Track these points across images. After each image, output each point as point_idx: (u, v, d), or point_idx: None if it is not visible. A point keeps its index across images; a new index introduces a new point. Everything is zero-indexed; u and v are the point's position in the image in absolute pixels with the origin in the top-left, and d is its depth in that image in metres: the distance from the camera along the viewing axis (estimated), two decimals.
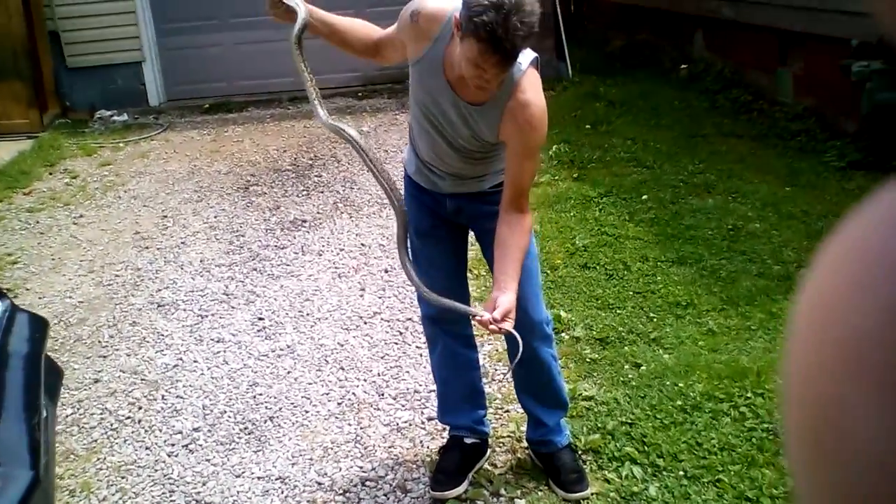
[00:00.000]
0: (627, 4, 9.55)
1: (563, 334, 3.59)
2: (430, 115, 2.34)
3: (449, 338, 2.73)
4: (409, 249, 2.57)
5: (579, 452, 2.85)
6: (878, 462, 0.27)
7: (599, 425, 2.99)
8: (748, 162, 5.35)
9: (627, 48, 8.96)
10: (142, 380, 3.55)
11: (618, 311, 3.75)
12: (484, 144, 2.35)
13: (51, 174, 6.26)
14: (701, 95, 6.87)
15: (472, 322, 2.41)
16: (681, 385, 3.15)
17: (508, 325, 2.19)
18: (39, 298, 4.33)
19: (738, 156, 5.48)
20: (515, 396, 2.91)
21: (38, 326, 2.45)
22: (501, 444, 2.97)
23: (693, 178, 5.16)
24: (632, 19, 9.49)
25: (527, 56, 2.19)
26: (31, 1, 7.35)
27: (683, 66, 7.71)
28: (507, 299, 2.19)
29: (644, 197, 4.89)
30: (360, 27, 2.46)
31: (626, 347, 3.47)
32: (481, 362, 3.38)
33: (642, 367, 3.32)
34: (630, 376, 3.27)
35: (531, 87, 2.22)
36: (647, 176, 5.28)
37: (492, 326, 2.19)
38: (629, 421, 3.00)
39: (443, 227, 2.62)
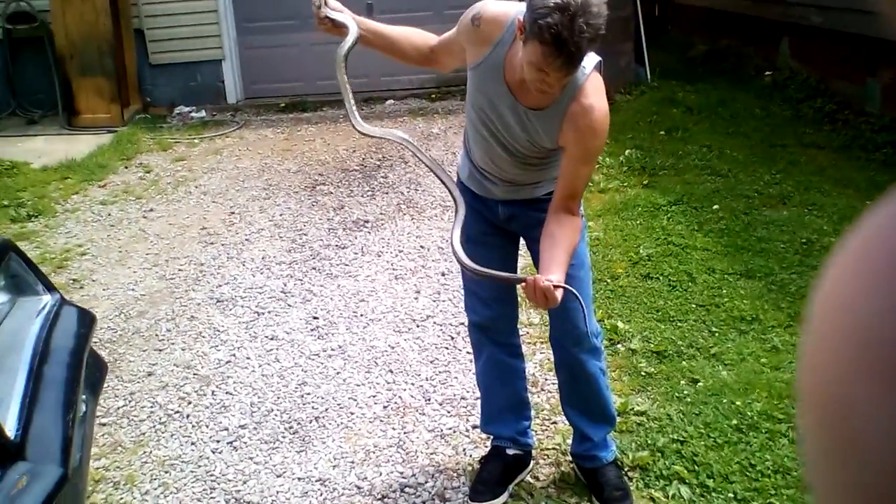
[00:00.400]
0: (712, 9, 9.29)
1: (618, 346, 3.48)
2: (487, 120, 2.29)
3: (494, 346, 2.66)
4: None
5: (626, 469, 2.75)
6: (893, 461, 0.27)
7: (649, 442, 2.87)
8: (828, 174, 5.12)
9: (710, 53, 8.72)
10: (194, 374, 3.57)
11: (678, 324, 3.61)
12: (541, 150, 2.29)
13: (126, 168, 6.41)
14: (783, 104, 6.62)
15: (519, 290, 2.24)
16: (738, 403, 3.01)
17: (558, 293, 2.03)
18: (104, 290, 4.41)
19: (818, 167, 5.24)
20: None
21: (85, 321, 2.48)
22: (546, 457, 2.88)
23: (769, 188, 4.96)
24: (716, 24, 9.23)
25: (591, 59, 2.11)
26: (119, 1, 7.56)
27: (767, 73, 7.45)
28: (554, 277, 2.06)
29: (715, 207, 4.72)
30: (414, 35, 2.43)
31: (683, 362, 3.34)
32: (531, 371, 3.32)
33: (699, 384, 3.19)
34: (685, 392, 3.14)
35: (595, 91, 2.15)
36: (720, 185, 5.10)
37: (544, 283, 2.01)
38: (681, 438, 2.88)
39: (494, 235, 2.55)
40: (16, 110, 7.86)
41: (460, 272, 2.73)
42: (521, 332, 3.54)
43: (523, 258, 2.82)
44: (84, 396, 2.27)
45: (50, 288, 2.45)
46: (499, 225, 2.53)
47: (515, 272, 2.66)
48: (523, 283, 2.07)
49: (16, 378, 2.04)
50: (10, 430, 1.87)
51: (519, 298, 2.72)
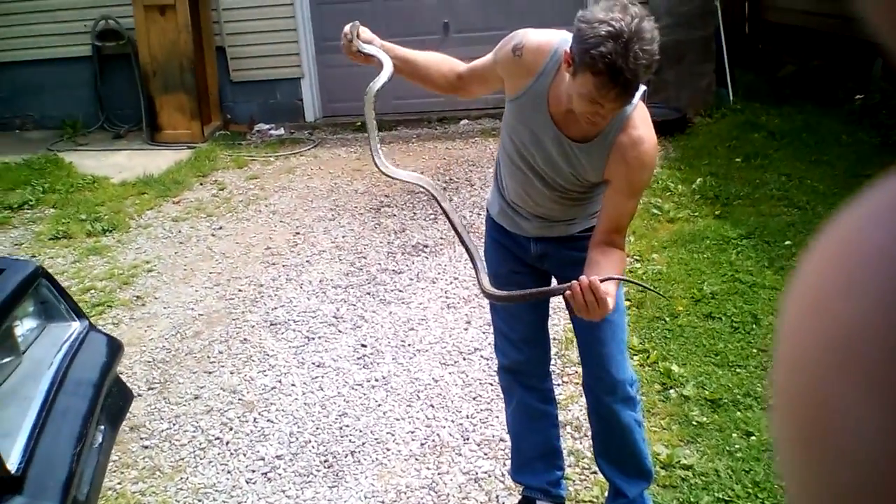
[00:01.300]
0: (803, 27, 8.94)
1: (671, 391, 3.32)
2: (526, 153, 2.21)
3: (525, 391, 2.56)
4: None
5: None
6: (870, 462, 0.27)
7: (692, 500, 2.72)
8: None
9: (799, 74, 8.36)
10: (239, 400, 3.58)
11: (737, 371, 3.42)
12: (584, 184, 2.20)
13: (201, 185, 6.53)
14: (872, 130, 6.28)
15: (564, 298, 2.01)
16: None
17: (609, 300, 1.89)
18: (164, 308, 4.47)
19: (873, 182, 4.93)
20: None
21: (111, 350, 2.49)
22: None
23: None
24: (807, 43, 8.87)
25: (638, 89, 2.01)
26: (202, 17, 7.74)
27: (858, 96, 7.10)
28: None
29: (787, 242, 4.49)
30: (442, 61, 2.36)
31: (738, 412, 3.16)
32: (575, 415, 3.20)
33: (753, 437, 3.01)
34: (737, 446, 2.96)
35: (643, 121, 2.07)
36: (796, 218, 4.86)
37: (591, 281, 1.87)
38: (726, 498, 2.72)
39: (523, 274, 2.46)
40: (104, 125, 8.12)
41: (490, 312, 2.63)
42: (569, 372, 3.44)
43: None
44: (102, 427, 2.27)
45: (79, 314, 2.47)
46: (529, 263, 2.44)
47: (546, 312, 2.56)
48: (568, 292, 1.91)
49: (29, 407, 2.05)
50: (13, 463, 1.87)
51: (551, 340, 2.61)
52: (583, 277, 1.90)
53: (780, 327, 0.33)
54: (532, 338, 2.52)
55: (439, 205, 2.29)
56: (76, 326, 2.43)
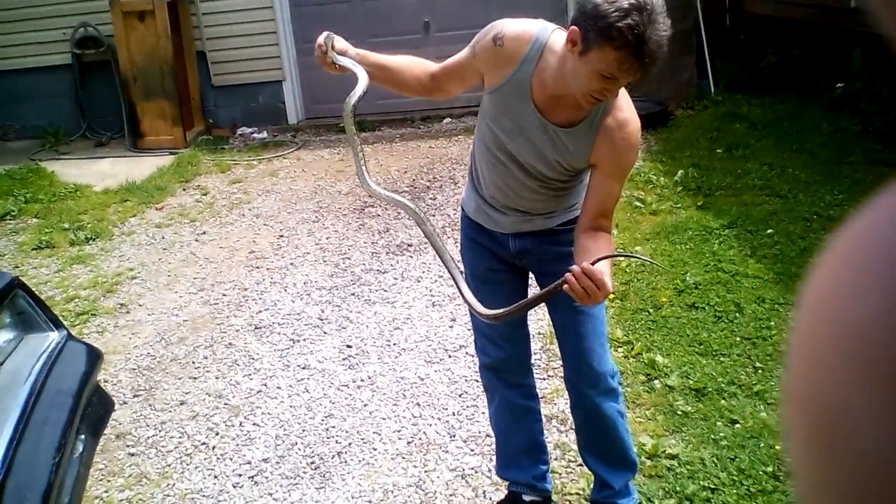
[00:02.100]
0: (784, 18, 8.97)
1: (655, 382, 3.33)
2: (508, 143, 2.18)
3: (507, 388, 2.55)
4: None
5: None
6: (881, 462, 0.27)
7: (678, 489, 2.73)
8: None
9: (781, 64, 8.39)
10: (225, 404, 3.56)
11: (721, 359, 3.43)
12: (568, 171, 2.18)
13: (184, 190, 6.51)
14: (853, 117, 6.30)
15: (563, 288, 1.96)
16: (777, 448, 2.84)
17: (607, 280, 1.87)
18: (149, 315, 4.46)
19: (885, 187, 4.95)
20: None
21: (91, 358, 2.48)
22: (567, 502, 2.76)
23: (829, 210, 4.71)
24: (788, 34, 8.90)
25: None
26: (181, 22, 7.71)
27: (839, 84, 7.13)
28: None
29: (769, 231, 4.50)
30: (415, 64, 2.33)
31: (723, 401, 3.17)
32: (561, 408, 3.20)
33: (738, 425, 3.02)
34: (722, 434, 2.97)
35: (627, 104, 2.10)
36: (778, 206, 4.87)
37: (585, 266, 1.85)
38: (712, 486, 2.72)
39: (502, 271, 2.45)
40: (86, 132, 8.08)
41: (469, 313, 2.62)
42: (554, 366, 3.45)
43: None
44: (83, 436, 2.26)
45: (57, 324, 2.45)
46: (507, 260, 2.42)
47: (525, 322, 2.55)
48: (565, 285, 1.90)
49: (7, 419, 2.04)
50: None
51: (531, 336, 2.61)
52: (574, 266, 1.90)
53: (791, 328, 0.33)
54: (512, 335, 2.50)
55: (421, 229, 2.28)
56: (54, 336, 2.42)
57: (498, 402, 2.57)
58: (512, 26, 2.13)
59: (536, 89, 2.10)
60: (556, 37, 2.08)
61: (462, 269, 2.39)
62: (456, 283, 2.23)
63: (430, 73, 2.32)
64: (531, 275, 2.52)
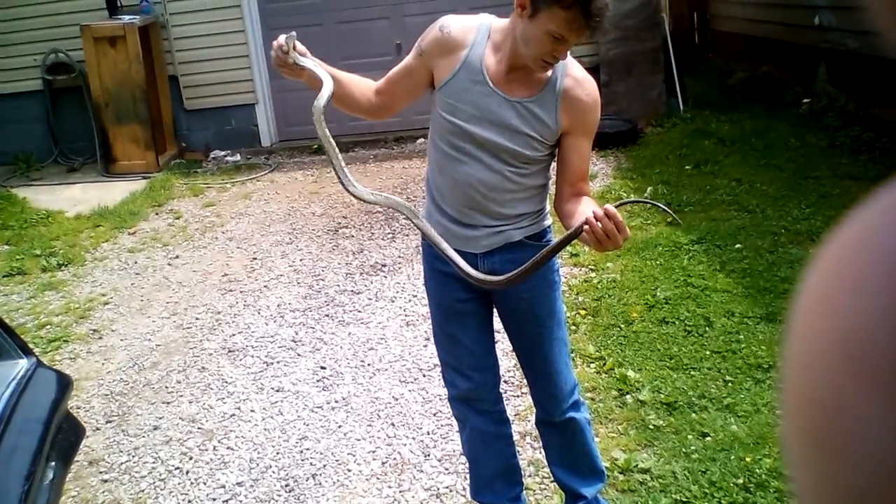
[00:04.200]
0: (751, 35, 9.11)
1: (627, 397, 3.36)
2: (471, 130, 2.14)
3: (479, 416, 2.52)
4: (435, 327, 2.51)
5: None
6: (880, 463, 0.27)
7: (651, 502, 2.75)
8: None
9: (749, 81, 8.52)
10: (198, 428, 3.55)
11: (691, 373, 3.47)
12: (543, 143, 2.17)
13: (157, 214, 6.49)
14: (820, 133, 6.41)
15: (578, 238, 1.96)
16: (748, 459, 2.87)
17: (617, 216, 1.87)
18: (121, 340, 4.44)
19: (851, 200, 4.98)
20: None
21: (60, 385, 2.47)
22: None
23: (797, 224, 4.78)
24: (756, 51, 9.04)
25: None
26: (153, 48, 7.72)
27: (805, 100, 7.25)
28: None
29: (738, 245, 4.56)
30: (360, 81, 2.31)
31: (694, 414, 3.20)
32: (534, 425, 3.21)
33: (708, 438, 3.05)
34: (693, 447, 3.00)
35: (578, 66, 2.19)
36: (746, 221, 4.94)
37: (608, 209, 1.86)
38: (684, 499, 2.75)
39: (469, 301, 2.39)
40: (58, 158, 8.05)
41: (435, 346, 2.60)
42: (527, 384, 3.46)
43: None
44: (53, 463, 2.25)
45: (26, 352, 2.44)
46: (475, 288, 2.32)
47: (492, 337, 2.50)
48: (586, 226, 1.88)
49: None
50: None
51: (503, 355, 2.62)
52: (595, 209, 1.91)
53: (789, 329, 0.33)
54: (479, 365, 2.47)
55: (413, 223, 2.26)
56: (23, 364, 2.41)
57: (469, 430, 2.55)
58: (455, 18, 2.21)
59: (490, 68, 2.14)
60: (498, 22, 2.18)
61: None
62: (454, 263, 2.16)
63: (374, 88, 2.31)
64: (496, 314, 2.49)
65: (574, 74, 2.15)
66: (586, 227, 1.89)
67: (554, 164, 2.28)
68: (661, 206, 2.23)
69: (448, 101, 2.17)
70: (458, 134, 2.17)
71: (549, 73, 2.12)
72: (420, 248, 5.06)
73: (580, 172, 2.19)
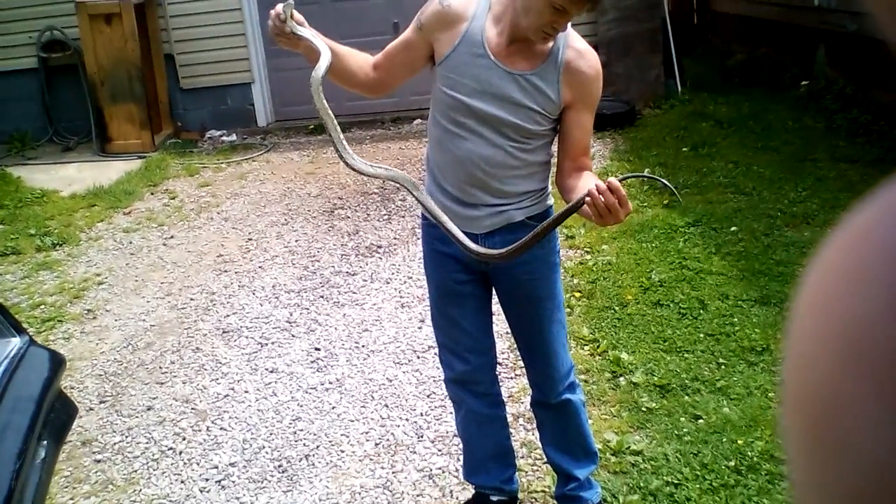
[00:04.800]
0: (750, 17, 9.07)
1: (620, 379, 3.36)
2: (473, 104, 2.12)
3: (474, 399, 2.52)
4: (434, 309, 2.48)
5: None
6: (879, 461, 0.27)
7: (642, 484, 2.75)
8: (857, 190, 4.90)
9: (748, 63, 8.49)
10: (192, 409, 3.55)
11: (685, 356, 3.47)
12: (546, 117, 2.15)
13: (152, 194, 6.47)
14: (818, 115, 6.39)
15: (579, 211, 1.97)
16: (740, 442, 2.87)
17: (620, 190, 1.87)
18: (115, 320, 4.43)
19: (847, 183, 5.04)
20: None
21: (53, 364, 2.46)
22: (533, 500, 2.79)
23: (793, 207, 4.78)
24: (754, 32, 9.00)
25: None
26: (149, 27, 7.67)
27: (804, 82, 7.22)
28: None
29: (734, 228, 4.55)
30: (358, 54, 2.27)
31: (687, 397, 3.21)
32: (527, 407, 3.21)
33: (701, 420, 3.05)
34: (686, 430, 3.01)
35: (579, 38, 2.18)
36: (742, 204, 4.93)
37: (610, 182, 1.86)
38: (676, 481, 2.75)
39: (468, 283, 2.38)
40: (53, 137, 8.01)
41: (433, 328, 2.59)
42: (520, 366, 3.46)
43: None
44: (45, 442, 2.25)
45: (19, 330, 2.43)
46: (475, 269, 2.34)
47: (490, 319, 2.49)
48: (588, 199, 1.88)
49: None
50: None
51: (504, 335, 2.60)
52: (597, 182, 1.90)
53: (789, 326, 0.33)
54: (476, 347, 2.46)
55: (413, 196, 2.23)
56: (15, 342, 2.40)
57: (465, 412, 2.55)
58: None
59: (491, 41, 2.11)
60: None
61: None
62: (454, 236, 2.14)
63: (373, 63, 2.28)
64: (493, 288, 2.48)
65: (576, 46, 2.13)
66: (588, 199, 1.89)
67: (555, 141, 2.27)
68: (664, 182, 2.22)
69: (449, 75, 2.15)
70: (459, 109, 2.15)
71: (551, 45, 2.10)
72: (416, 230, 5.07)
73: (582, 146, 2.18)
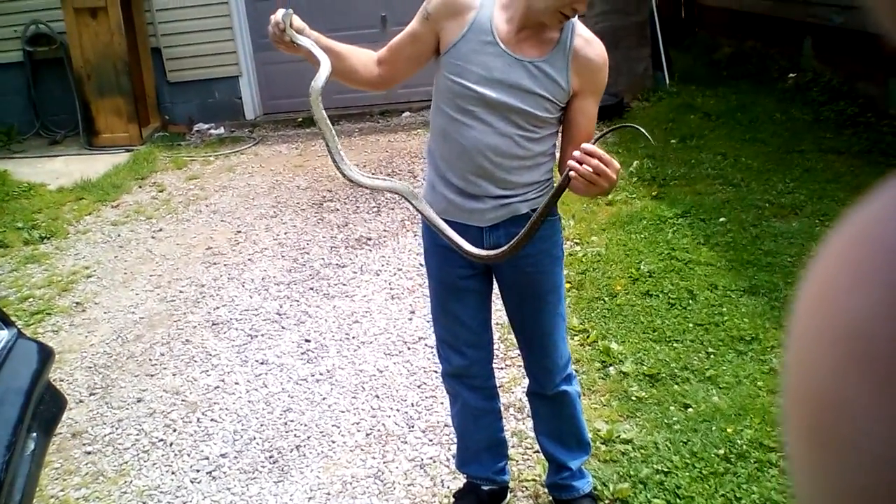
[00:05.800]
0: (737, 10, 9.09)
1: (610, 369, 3.37)
2: (480, 90, 2.11)
3: (471, 392, 2.52)
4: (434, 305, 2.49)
5: (606, 502, 2.65)
6: (883, 460, 0.27)
7: (632, 473, 2.77)
8: (844, 181, 4.94)
9: (735, 56, 8.52)
10: (182, 401, 3.55)
11: (674, 345, 3.49)
12: (554, 105, 2.15)
13: (140, 187, 6.45)
14: (805, 107, 6.42)
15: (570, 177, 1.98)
16: (729, 430, 2.89)
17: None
18: (104, 313, 4.42)
19: (835, 174, 5.07)
20: None
21: (42, 357, 2.45)
22: (524, 489, 2.79)
23: (781, 198, 4.80)
24: (742, 25, 9.03)
25: None
26: (135, 20, 7.63)
27: (791, 75, 7.26)
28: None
29: (722, 219, 4.58)
30: (361, 52, 2.27)
31: (676, 386, 3.22)
32: (518, 396, 3.23)
33: (690, 409, 3.07)
34: (675, 419, 3.02)
35: (583, 27, 2.19)
36: (731, 195, 4.95)
37: (587, 148, 1.90)
38: (665, 469, 2.77)
39: (471, 278, 2.37)
40: (39, 131, 7.97)
41: (432, 322, 2.58)
42: (511, 356, 3.48)
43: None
44: (34, 434, 2.24)
45: (7, 323, 2.42)
46: (477, 264, 2.31)
47: (489, 314, 2.48)
48: (572, 173, 1.90)
49: None
50: None
51: (493, 325, 2.60)
52: (574, 153, 1.92)
53: (790, 324, 0.33)
54: (475, 341, 2.46)
55: (412, 205, 2.22)
56: (4, 335, 2.38)
57: (461, 405, 2.55)
58: None
59: (500, 28, 2.11)
60: None
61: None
62: (454, 242, 2.15)
63: (376, 59, 2.27)
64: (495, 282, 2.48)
65: (583, 34, 2.15)
66: (572, 173, 1.91)
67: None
68: (636, 126, 2.24)
69: (456, 62, 2.13)
70: (466, 97, 2.14)
71: (560, 33, 2.11)
72: (406, 223, 5.08)
73: (587, 134, 2.18)
